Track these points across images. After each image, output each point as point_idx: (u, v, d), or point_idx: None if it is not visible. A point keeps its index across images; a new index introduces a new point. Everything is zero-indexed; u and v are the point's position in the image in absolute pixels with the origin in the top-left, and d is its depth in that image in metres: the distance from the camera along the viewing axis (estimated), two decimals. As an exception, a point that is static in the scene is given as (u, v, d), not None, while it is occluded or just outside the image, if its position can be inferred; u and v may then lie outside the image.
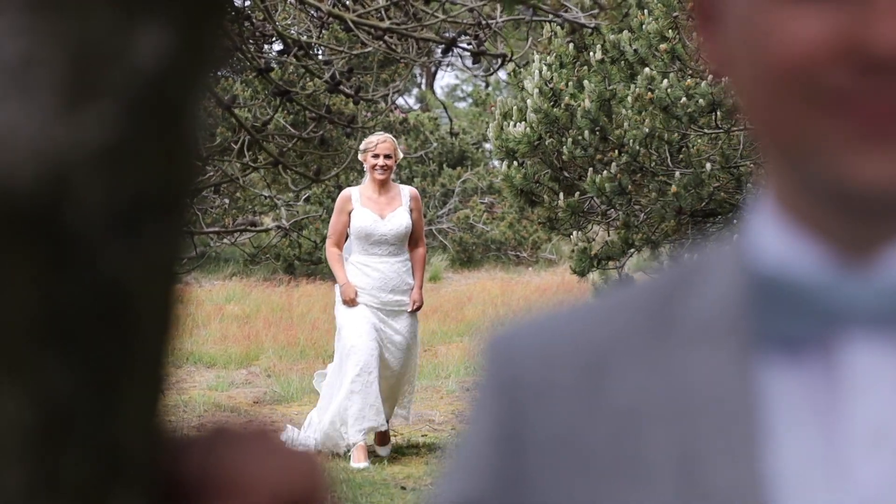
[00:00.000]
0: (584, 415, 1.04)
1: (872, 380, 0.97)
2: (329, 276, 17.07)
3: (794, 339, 0.99)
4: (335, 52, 5.37)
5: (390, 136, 8.48)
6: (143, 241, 0.56)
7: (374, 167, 8.36)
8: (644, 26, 7.45)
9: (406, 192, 8.46)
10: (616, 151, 7.29)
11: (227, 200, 17.69)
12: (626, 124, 7.27)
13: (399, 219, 8.31)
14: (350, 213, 8.37)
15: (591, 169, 7.96)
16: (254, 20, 5.17)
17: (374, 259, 8.26)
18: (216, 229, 5.77)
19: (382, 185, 8.37)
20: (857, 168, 0.92)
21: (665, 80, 6.93)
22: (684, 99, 6.98)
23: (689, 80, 6.81)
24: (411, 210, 8.36)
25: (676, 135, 7.03)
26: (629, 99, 7.10)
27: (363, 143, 8.58)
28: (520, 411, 1.07)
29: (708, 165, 6.94)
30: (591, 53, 7.91)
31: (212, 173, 5.85)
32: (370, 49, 4.78)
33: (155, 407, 0.59)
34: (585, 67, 7.86)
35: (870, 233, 0.97)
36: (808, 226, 0.99)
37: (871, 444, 0.96)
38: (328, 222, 9.49)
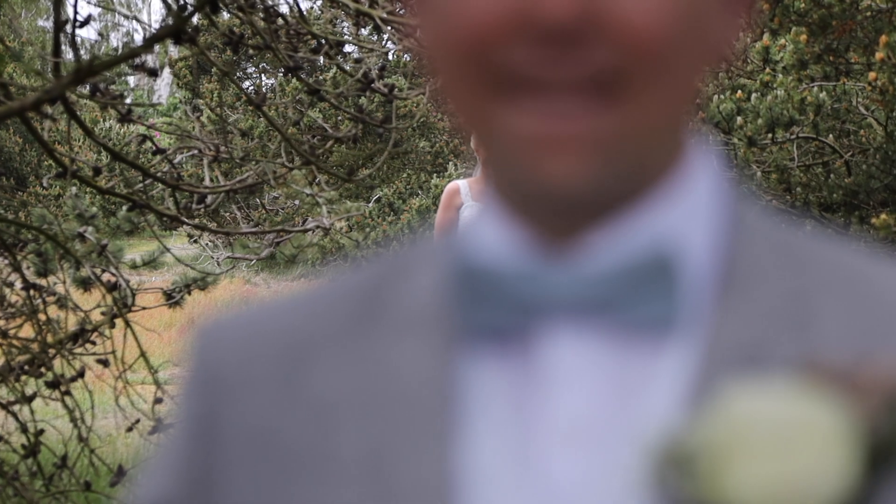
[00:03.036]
0: (282, 408, 1.01)
1: (571, 372, 0.95)
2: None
3: (497, 330, 0.96)
4: (366, 50, 5.30)
5: None
6: None
7: None
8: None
9: None
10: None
11: (297, 203, 17.72)
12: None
13: None
14: (459, 209, 7.58)
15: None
16: (287, 19, 5.10)
17: None
18: (252, 230, 5.72)
19: None
20: (538, 167, 0.91)
21: (715, 97, 6.79)
22: (740, 119, 6.83)
23: (739, 93, 6.67)
24: None
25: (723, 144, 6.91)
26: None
27: None
28: (217, 406, 1.04)
29: (758, 172, 6.82)
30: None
31: (250, 174, 5.79)
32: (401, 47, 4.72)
33: None
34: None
35: (568, 222, 0.95)
36: (512, 213, 0.97)
37: (566, 438, 0.94)
38: (392, 223, 9.09)
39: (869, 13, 5.94)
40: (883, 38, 5.78)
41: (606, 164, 0.92)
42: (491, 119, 0.92)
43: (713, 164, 1.03)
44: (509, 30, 0.90)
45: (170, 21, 4.03)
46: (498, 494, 0.94)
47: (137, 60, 3.36)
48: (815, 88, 6.45)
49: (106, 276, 5.17)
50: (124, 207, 5.35)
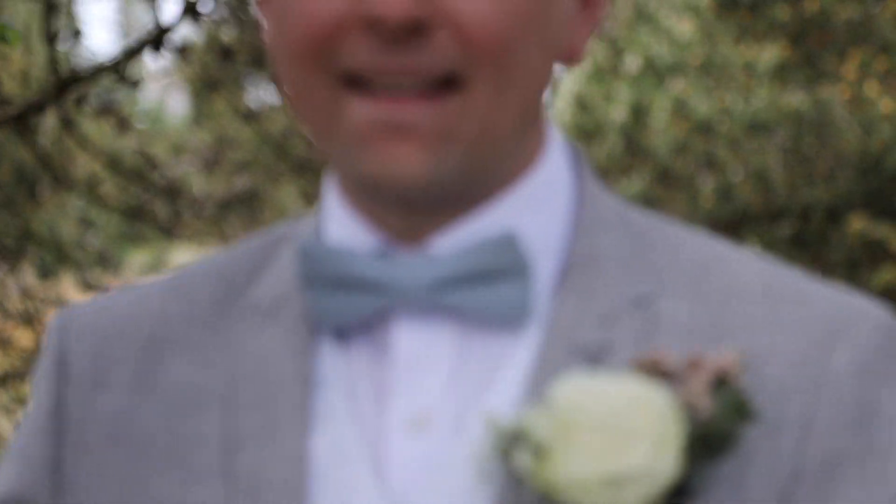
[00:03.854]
0: (140, 395, 1.00)
1: (419, 362, 0.97)
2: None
3: (348, 322, 0.97)
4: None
5: None
6: None
7: None
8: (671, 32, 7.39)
9: None
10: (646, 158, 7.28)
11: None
12: (656, 134, 7.25)
13: None
14: None
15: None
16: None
17: None
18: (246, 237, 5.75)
19: None
20: (376, 157, 0.92)
21: (701, 104, 6.84)
22: (728, 124, 6.87)
23: (725, 101, 6.71)
24: None
25: (704, 147, 6.98)
26: (663, 104, 7.09)
27: None
28: (67, 395, 1.03)
29: (741, 173, 6.86)
30: (626, 61, 7.85)
31: (241, 183, 5.89)
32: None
33: None
34: (617, 75, 7.83)
35: (414, 215, 0.96)
36: (359, 208, 0.98)
37: (409, 427, 0.96)
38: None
39: (844, 24, 5.97)
40: (853, 62, 5.81)
41: (444, 155, 0.93)
42: (331, 112, 0.93)
43: (568, 160, 1.04)
44: (347, 27, 0.92)
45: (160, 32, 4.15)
46: (345, 480, 0.96)
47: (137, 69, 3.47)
48: (795, 94, 6.50)
49: (109, 281, 5.28)
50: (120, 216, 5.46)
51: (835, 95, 6.54)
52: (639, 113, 7.63)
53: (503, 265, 0.96)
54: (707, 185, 7.10)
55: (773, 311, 0.98)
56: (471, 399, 0.97)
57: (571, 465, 0.91)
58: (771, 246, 7.16)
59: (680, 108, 6.96)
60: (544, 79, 0.98)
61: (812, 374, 0.96)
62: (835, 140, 6.67)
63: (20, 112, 3.32)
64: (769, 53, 6.43)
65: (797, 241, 6.91)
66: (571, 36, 1.01)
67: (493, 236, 0.96)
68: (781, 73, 6.40)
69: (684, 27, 7.42)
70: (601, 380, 0.93)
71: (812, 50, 6.29)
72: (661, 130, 7.23)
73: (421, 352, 0.97)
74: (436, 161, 0.93)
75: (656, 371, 0.95)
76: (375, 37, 0.91)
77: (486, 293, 0.96)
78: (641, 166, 7.80)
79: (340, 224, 1.00)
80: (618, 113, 7.64)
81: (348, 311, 0.97)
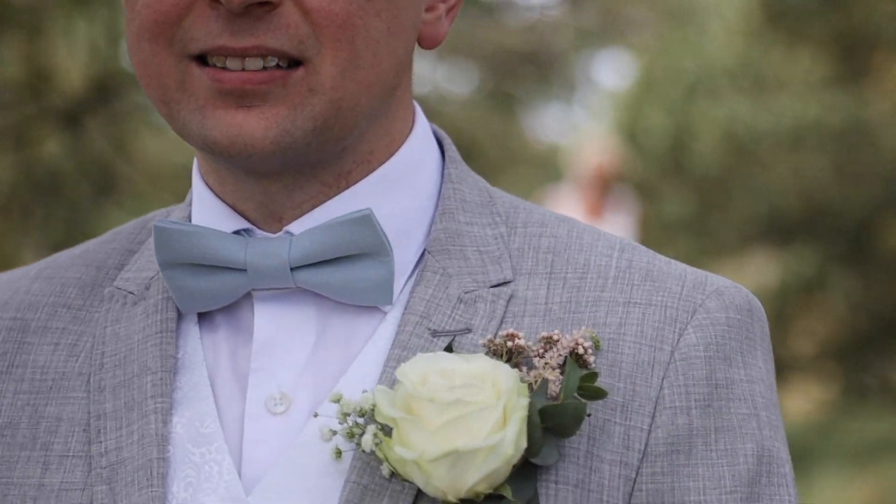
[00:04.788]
0: (4, 379, 1.01)
1: (275, 344, 0.99)
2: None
3: (208, 303, 1.00)
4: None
5: None
6: None
7: None
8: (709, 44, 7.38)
9: None
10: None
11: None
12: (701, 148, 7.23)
13: None
14: None
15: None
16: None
17: None
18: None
19: None
20: (218, 130, 0.95)
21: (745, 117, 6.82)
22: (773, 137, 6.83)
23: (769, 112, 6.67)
24: None
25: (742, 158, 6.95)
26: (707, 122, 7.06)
27: None
28: None
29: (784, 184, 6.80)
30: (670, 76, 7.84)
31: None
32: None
33: None
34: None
35: (272, 199, 0.99)
36: (220, 191, 1.01)
37: (268, 407, 0.98)
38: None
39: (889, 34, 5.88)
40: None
41: (290, 126, 0.95)
42: (178, 85, 0.96)
43: (434, 143, 1.06)
44: (193, 7, 0.95)
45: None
46: (204, 461, 0.97)
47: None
48: (832, 101, 6.46)
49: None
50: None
51: (875, 96, 6.47)
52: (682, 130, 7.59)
53: (362, 245, 0.97)
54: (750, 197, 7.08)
55: (628, 291, 1.00)
56: (329, 379, 0.99)
57: (416, 443, 0.94)
58: (815, 255, 7.12)
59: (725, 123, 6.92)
60: (398, 59, 0.99)
61: (664, 352, 0.98)
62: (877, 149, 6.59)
63: (63, 116, 3.39)
64: (814, 65, 6.39)
65: (842, 249, 6.86)
66: (429, 18, 1.02)
67: (351, 217, 0.97)
68: (825, 85, 6.33)
69: (730, 41, 7.37)
70: (449, 359, 0.97)
71: (857, 60, 6.22)
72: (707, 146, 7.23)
73: (280, 332, 0.99)
74: (281, 131, 0.95)
75: (510, 351, 0.98)
76: (221, 16, 0.94)
77: (345, 273, 0.97)
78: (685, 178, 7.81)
79: (204, 208, 1.02)
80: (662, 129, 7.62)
81: (208, 292, 0.99)
